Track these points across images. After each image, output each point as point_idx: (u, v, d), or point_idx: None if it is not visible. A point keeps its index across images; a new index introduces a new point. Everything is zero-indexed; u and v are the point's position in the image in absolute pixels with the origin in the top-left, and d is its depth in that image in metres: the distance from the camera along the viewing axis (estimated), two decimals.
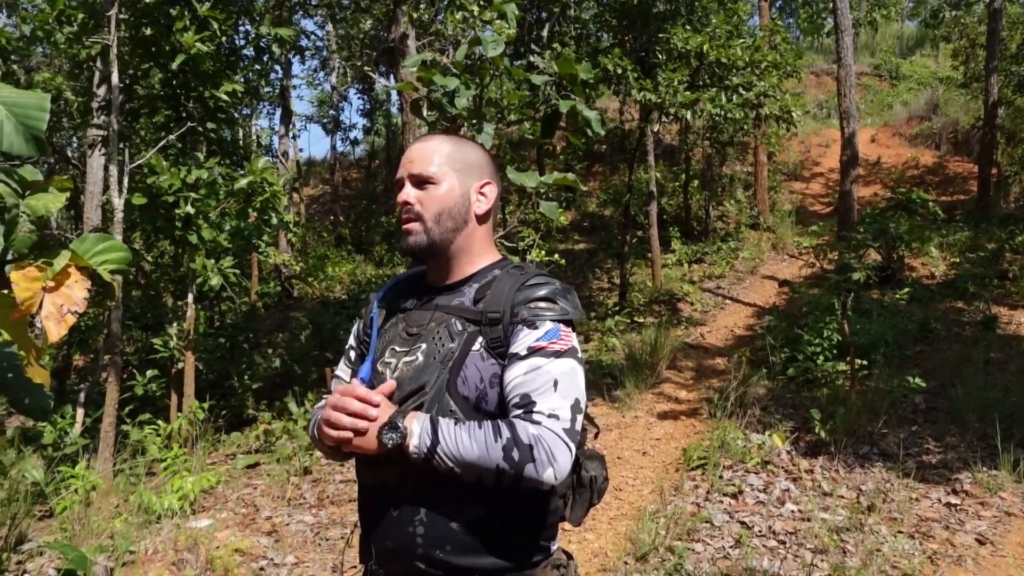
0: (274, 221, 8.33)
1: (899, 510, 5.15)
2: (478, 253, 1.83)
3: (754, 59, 11.58)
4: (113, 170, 7.41)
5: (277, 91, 20.33)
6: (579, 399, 1.64)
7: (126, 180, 7.42)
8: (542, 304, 1.69)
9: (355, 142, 29.65)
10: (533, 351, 1.63)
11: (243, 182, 7.77)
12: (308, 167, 30.41)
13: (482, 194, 1.83)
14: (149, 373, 8.58)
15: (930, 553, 4.59)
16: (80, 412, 7.90)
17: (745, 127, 14.46)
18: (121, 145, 8.25)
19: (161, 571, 4.44)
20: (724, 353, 10.21)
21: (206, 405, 7.91)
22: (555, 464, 1.52)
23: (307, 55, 25.72)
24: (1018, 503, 5.26)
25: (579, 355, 1.71)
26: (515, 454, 1.51)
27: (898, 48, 33.15)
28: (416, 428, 1.55)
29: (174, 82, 8.06)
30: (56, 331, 2.32)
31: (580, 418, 1.62)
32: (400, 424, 1.55)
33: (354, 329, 2.01)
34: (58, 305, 2.32)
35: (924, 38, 32.87)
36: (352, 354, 1.97)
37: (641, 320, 12.38)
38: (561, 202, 18.38)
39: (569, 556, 1.82)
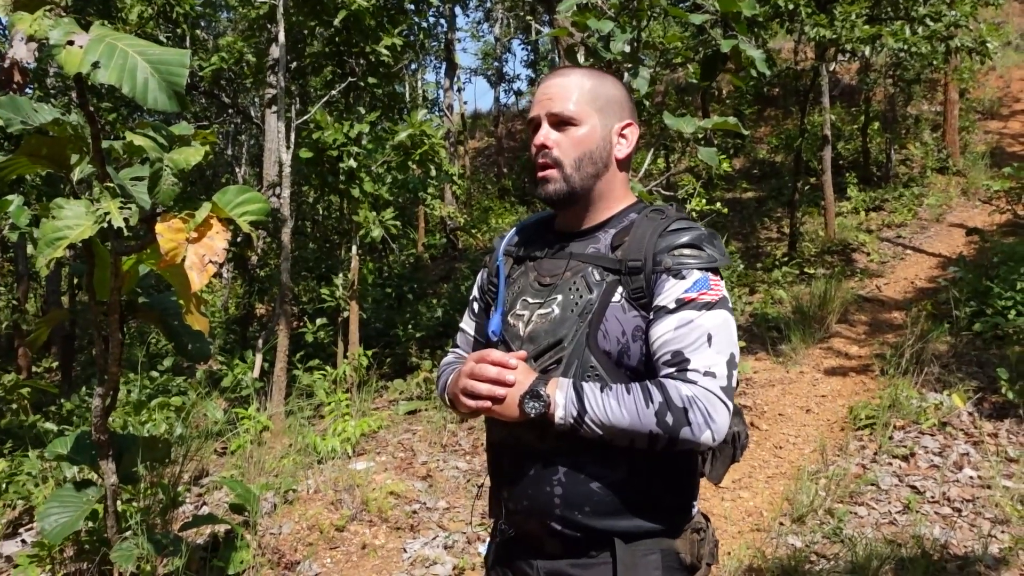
0: (434, 173, 8.45)
1: None
2: (616, 198, 1.70)
3: None
4: (282, 126, 7.74)
5: (442, 45, 20.60)
6: (734, 354, 1.52)
7: (293, 136, 7.73)
8: (687, 251, 1.56)
9: (519, 93, 29.72)
10: (682, 303, 1.52)
11: (402, 135, 7.92)
12: (473, 120, 30.80)
13: (623, 136, 1.70)
14: (318, 322, 9.00)
15: None
16: (259, 357, 8.43)
17: (933, 62, 13.33)
18: (289, 102, 8.61)
19: (320, 510, 4.66)
20: (902, 307, 9.55)
21: (370, 353, 8.23)
22: (713, 425, 1.43)
23: (470, 7, 25.93)
24: None
25: (730, 305, 1.58)
26: (669, 418, 1.42)
27: None
28: (560, 398, 1.47)
29: (337, 39, 8.28)
30: (198, 280, 2.42)
31: (736, 373, 1.51)
32: (543, 392, 1.48)
33: (478, 279, 1.91)
34: (200, 255, 2.42)
35: None
36: (476, 306, 1.89)
37: (811, 271, 11.78)
38: (726, 149, 17.74)
39: (707, 519, 1.72)
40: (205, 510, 4.78)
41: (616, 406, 1.44)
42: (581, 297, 1.58)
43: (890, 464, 5.13)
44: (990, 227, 12.28)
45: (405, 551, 4.28)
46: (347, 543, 4.41)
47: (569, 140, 1.63)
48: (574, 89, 1.64)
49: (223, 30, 18.84)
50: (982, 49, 10.91)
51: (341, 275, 8.41)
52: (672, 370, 1.48)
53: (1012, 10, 23.73)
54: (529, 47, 27.08)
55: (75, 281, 11.89)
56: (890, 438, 5.47)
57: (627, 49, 5.36)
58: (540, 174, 1.65)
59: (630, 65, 5.29)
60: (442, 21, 20.21)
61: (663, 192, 6.48)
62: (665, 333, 1.50)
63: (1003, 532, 4.14)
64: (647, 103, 5.64)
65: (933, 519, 4.35)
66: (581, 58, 7.02)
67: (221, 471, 5.54)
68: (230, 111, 14.69)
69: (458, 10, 21.94)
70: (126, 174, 2.76)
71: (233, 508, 4.28)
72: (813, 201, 15.15)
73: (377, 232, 7.85)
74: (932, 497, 4.63)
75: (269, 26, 9.88)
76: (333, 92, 8.37)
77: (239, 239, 8.62)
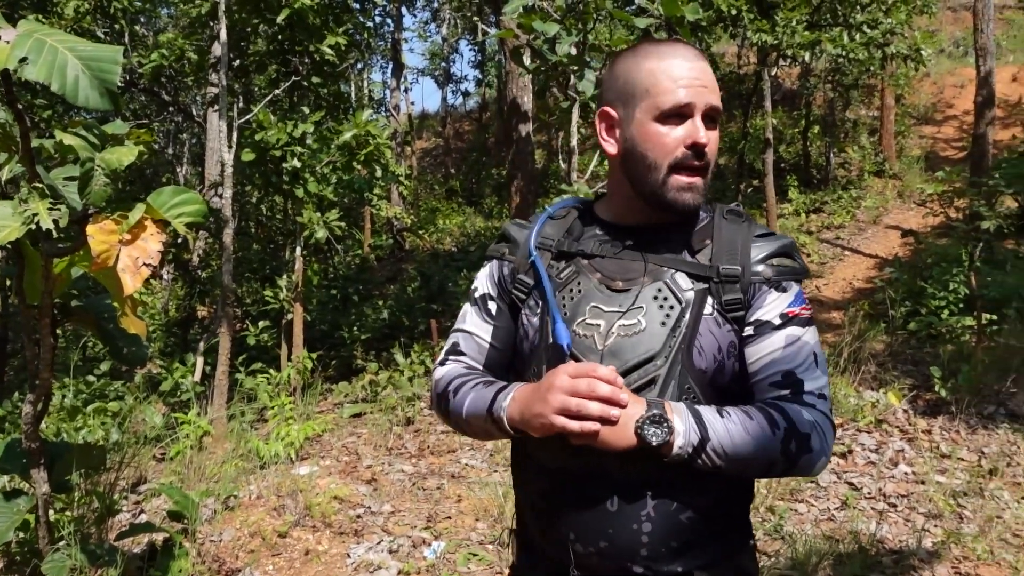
0: (379, 174, 8.39)
1: None
2: None
3: None
4: (224, 126, 7.62)
5: (388, 44, 20.49)
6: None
7: (235, 135, 7.61)
8: (786, 261, 1.42)
9: (466, 94, 29.72)
10: (787, 319, 1.39)
11: (347, 135, 7.85)
12: (420, 120, 30.69)
13: None
14: (261, 324, 8.88)
15: None
16: (200, 361, 8.28)
17: (870, 68, 13.64)
18: (231, 101, 8.48)
19: (262, 516, 4.59)
20: (841, 307, 9.77)
21: (315, 355, 8.14)
22: (827, 451, 1.34)
23: (417, 7, 25.83)
24: None
25: None
26: (793, 445, 1.29)
27: None
28: (680, 424, 1.26)
29: (280, 37, 8.17)
30: (132, 283, 2.37)
31: None
32: (666, 416, 1.26)
33: (488, 273, 1.60)
34: (133, 258, 2.36)
35: None
36: (493, 307, 1.57)
37: None
38: None
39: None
40: (143, 518, 4.68)
41: (741, 432, 1.28)
42: (672, 307, 1.37)
43: (829, 461, 5.23)
44: (924, 229, 12.63)
45: (349, 556, 4.23)
46: (290, 549, 4.35)
47: (715, 139, 1.40)
48: (712, 77, 1.41)
49: (164, 26, 18.46)
50: (916, 56, 11.22)
51: (285, 276, 8.31)
52: (786, 392, 1.35)
53: (945, 18, 24.48)
54: (476, 48, 27.09)
55: (7, 284, 11.54)
56: None
57: (573, 51, 5.39)
58: (687, 180, 1.38)
59: (576, 67, 5.32)
60: (388, 21, 20.13)
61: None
62: (773, 351, 1.37)
63: (936, 526, 4.25)
64: (592, 105, 5.67)
65: (870, 515, 4.45)
66: (527, 60, 7.06)
67: (160, 478, 5.42)
68: (171, 109, 14.39)
69: (405, 10, 21.86)
70: (57, 174, 2.68)
71: (171, 515, 4.19)
72: (756, 203, 15.41)
73: (322, 233, 7.77)
74: (869, 493, 4.73)
75: (211, 23, 9.71)
76: (277, 91, 8.26)
77: (179, 240, 8.46)
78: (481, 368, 1.57)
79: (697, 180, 1.38)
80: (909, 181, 15.94)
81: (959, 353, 7.09)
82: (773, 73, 14.95)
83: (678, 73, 1.37)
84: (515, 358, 1.55)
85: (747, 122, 13.90)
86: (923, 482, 4.79)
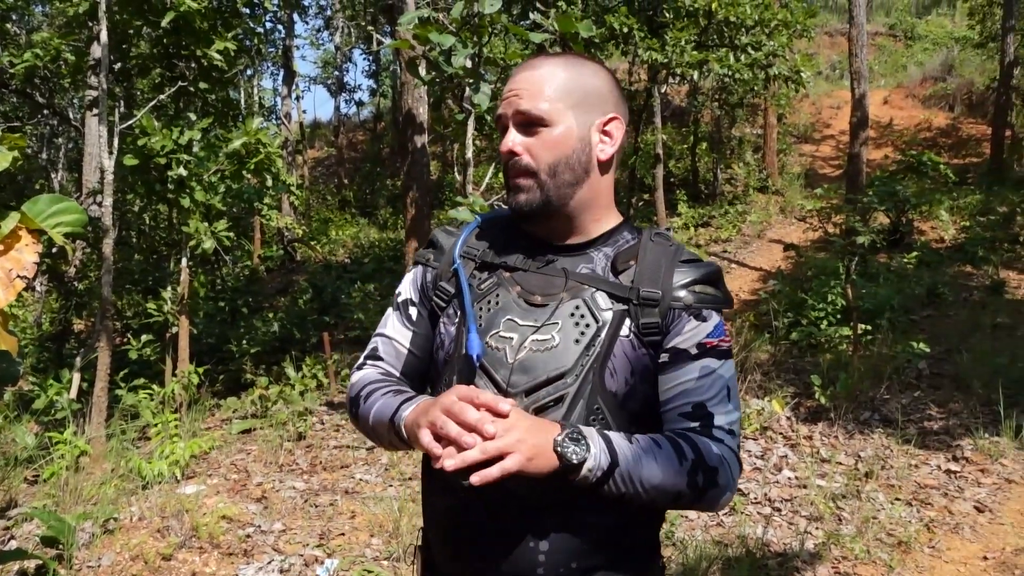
0: (270, 183, 8.19)
1: (897, 477, 5.07)
2: (604, 208, 1.46)
3: (763, 18, 11.33)
4: (104, 131, 7.29)
5: (279, 51, 20.09)
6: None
7: (116, 141, 7.30)
8: (709, 289, 1.39)
9: (360, 103, 29.40)
10: (704, 349, 1.36)
11: (237, 143, 7.64)
12: (312, 129, 30.19)
13: (606, 133, 1.43)
14: (144, 338, 8.52)
15: (927, 520, 4.50)
16: (76, 376, 7.87)
17: (755, 88, 14.21)
18: (112, 105, 8.13)
19: (145, 538, 4.39)
20: (728, 318, 10.08)
21: (201, 370, 7.86)
22: (732, 487, 1.31)
23: (309, 14, 25.43)
24: (1019, 470, 5.16)
25: None
26: (700, 479, 1.27)
27: (914, 7, 32.47)
28: (593, 446, 1.23)
29: (165, 40, 7.88)
30: (4, 296, 2.22)
31: None
32: (584, 435, 1.23)
33: (412, 278, 1.58)
34: (6, 270, 2.22)
35: None
36: (414, 312, 1.54)
37: None
38: None
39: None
40: (13, 544, 4.40)
41: (650, 461, 1.26)
42: (588, 326, 1.35)
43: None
44: (805, 243, 13.19)
45: None
46: (175, 572, 4.17)
47: (541, 143, 1.39)
48: (545, 82, 1.39)
49: (38, 25, 17.60)
50: (797, 77, 11.78)
51: (170, 288, 8.00)
52: (695, 424, 1.33)
53: (823, 43, 25.75)
54: (371, 57, 26.87)
55: None
56: None
57: (468, 64, 5.40)
58: (512, 181, 1.41)
59: (472, 80, 5.33)
60: (280, 27, 19.74)
61: (503, 206, 6.55)
62: (686, 381, 1.35)
63: (817, 528, 4.42)
64: (488, 118, 5.70)
65: (756, 519, 4.60)
66: (423, 71, 7.03)
67: (32, 501, 5.12)
68: (45, 112, 13.73)
69: (297, 17, 21.49)
70: None
71: (45, 541, 3.97)
72: (647, 216, 15.78)
73: (209, 243, 7.51)
74: (755, 498, 4.89)
75: (90, 23, 9.29)
76: (162, 96, 7.96)
77: (53, 250, 8.04)
78: (398, 374, 1.54)
79: (520, 181, 1.39)
80: (790, 197, 16.64)
81: (837, 362, 7.43)
82: (663, 90, 15.38)
83: (506, 88, 1.43)
84: (431, 366, 1.52)
85: (638, 137, 14.25)
86: (805, 486, 4.98)
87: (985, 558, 4.12)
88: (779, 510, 4.73)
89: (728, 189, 17.70)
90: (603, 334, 1.34)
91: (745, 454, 5.56)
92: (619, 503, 1.28)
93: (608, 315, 1.35)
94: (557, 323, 1.35)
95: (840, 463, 5.36)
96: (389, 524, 4.55)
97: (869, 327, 8.17)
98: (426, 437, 1.22)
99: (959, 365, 7.16)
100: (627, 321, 1.36)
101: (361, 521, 4.76)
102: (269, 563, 4.20)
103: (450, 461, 1.17)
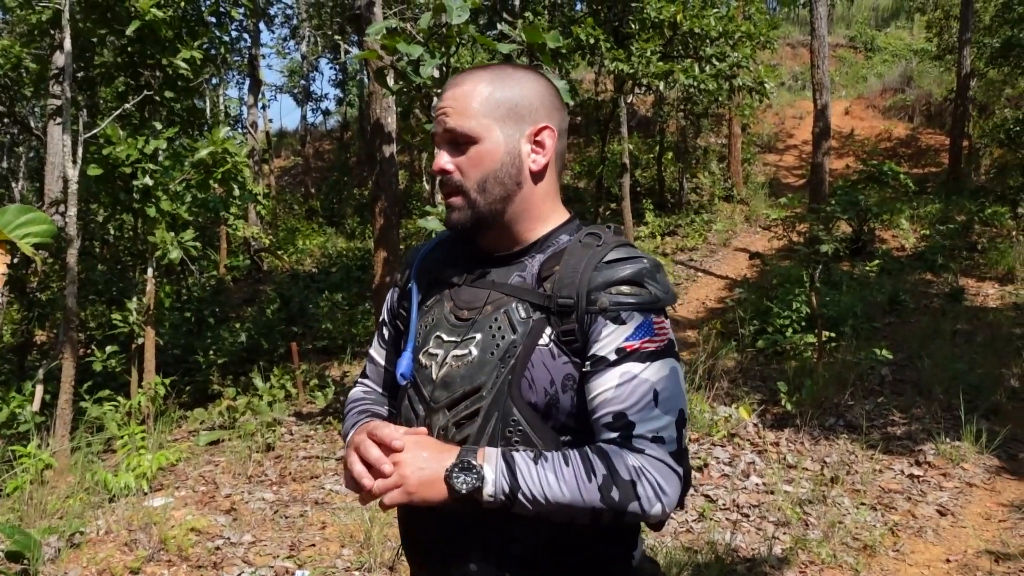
0: (236, 192, 8.13)
1: (862, 482, 5.15)
2: (540, 216, 1.43)
3: (728, 29, 11.49)
4: (68, 140, 7.20)
5: (245, 60, 19.96)
6: (683, 409, 1.31)
7: (80, 150, 7.21)
8: (626, 289, 1.30)
9: (327, 113, 29.28)
10: (624, 354, 1.28)
11: (203, 152, 7.58)
12: (279, 138, 30.02)
13: (537, 143, 1.40)
14: (108, 349, 8.41)
15: (891, 524, 4.59)
16: (39, 389, 7.74)
17: (719, 98, 14.38)
18: (76, 113, 8.03)
19: (112, 552, 4.33)
20: (695, 326, 10.19)
21: (168, 381, 7.77)
22: (664, 498, 1.24)
23: (276, 23, 25.32)
24: (979, 474, 5.28)
25: (676, 349, 1.35)
26: (615, 493, 1.22)
27: (874, 20, 33.09)
28: (489, 472, 1.22)
29: (130, 49, 7.80)
30: None
31: (687, 431, 1.35)
32: (476, 463, 1.22)
33: (387, 300, 1.62)
34: None
35: (899, 10, 32.84)
36: (387, 333, 1.60)
37: None
38: None
39: (654, 562, 1.50)
40: None
41: (554, 480, 1.22)
42: (504, 338, 1.33)
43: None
44: (770, 251, 13.38)
45: None
46: None
47: (469, 160, 1.37)
48: (470, 98, 1.37)
49: None
50: (760, 88, 11.95)
51: (135, 299, 7.90)
52: (615, 435, 1.27)
53: (785, 54, 26.16)
54: (337, 67, 26.77)
55: None
56: None
57: (436, 74, 5.43)
58: (446, 200, 1.41)
59: (440, 90, 5.36)
60: (246, 36, 19.61)
61: None
62: (605, 390, 1.28)
63: (784, 533, 4.49)
64: None
65: (725, 525, 4.65)
66: (391, 81, 7.05)
67: None
68: (6, 121, 13.50)
69: (263, 26, 21.38)
70: None
71: (9, 556, 3.90)
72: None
73: (175, 253, 7.44)
74: (724, 504, 4.94)
75: (52, 31, 9.18)
76: (127, 105, 7.87)
77: (15, 260, 7.91)
78: (380, 391, 1.63)
79: (452, 200, 1.40)
80: (755, 206, 16.86)
81: (802, 369, 7.54)
82: (629, 100, 15.54)
83: (435, 106, 1.44)
84: None
85: (605, 147, 14.34)
86: (772, 492, 5.05)
87: (948, 560, 4.20)
88: (747, 516, 4.79)
89: (694, 198, 17.89)
90: (519, 345, 1.32)
91: (713, 461, 5.62)
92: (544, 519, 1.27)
93: (526, 325, 1.33)
94: (475, 337, 1.36)
95: (806, 469, 5.44)
96: (360, 534, 4.54)
97: (833, 334, 8.30)
98: (349, 463, 1.29)
99: (920, 371, 7.30)
100: (547, 330, 1.33)
101: (332, 532, 4.74)
102: (239, 575, 4.17)
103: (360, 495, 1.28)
